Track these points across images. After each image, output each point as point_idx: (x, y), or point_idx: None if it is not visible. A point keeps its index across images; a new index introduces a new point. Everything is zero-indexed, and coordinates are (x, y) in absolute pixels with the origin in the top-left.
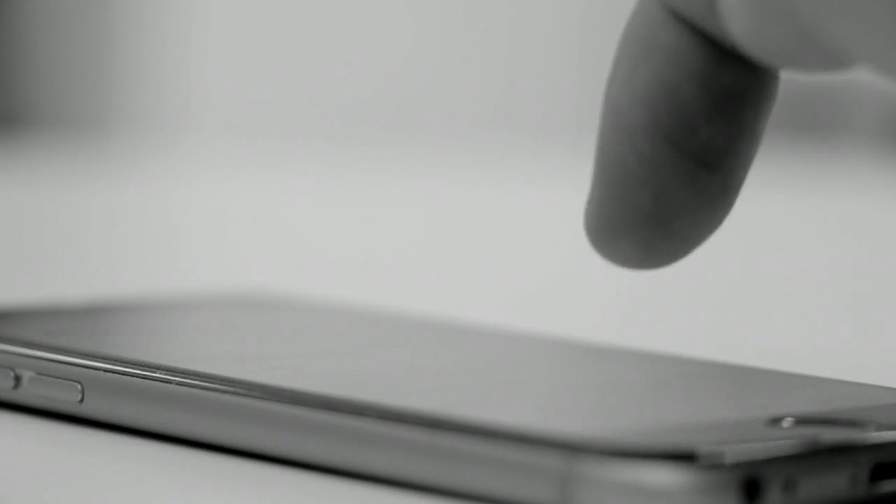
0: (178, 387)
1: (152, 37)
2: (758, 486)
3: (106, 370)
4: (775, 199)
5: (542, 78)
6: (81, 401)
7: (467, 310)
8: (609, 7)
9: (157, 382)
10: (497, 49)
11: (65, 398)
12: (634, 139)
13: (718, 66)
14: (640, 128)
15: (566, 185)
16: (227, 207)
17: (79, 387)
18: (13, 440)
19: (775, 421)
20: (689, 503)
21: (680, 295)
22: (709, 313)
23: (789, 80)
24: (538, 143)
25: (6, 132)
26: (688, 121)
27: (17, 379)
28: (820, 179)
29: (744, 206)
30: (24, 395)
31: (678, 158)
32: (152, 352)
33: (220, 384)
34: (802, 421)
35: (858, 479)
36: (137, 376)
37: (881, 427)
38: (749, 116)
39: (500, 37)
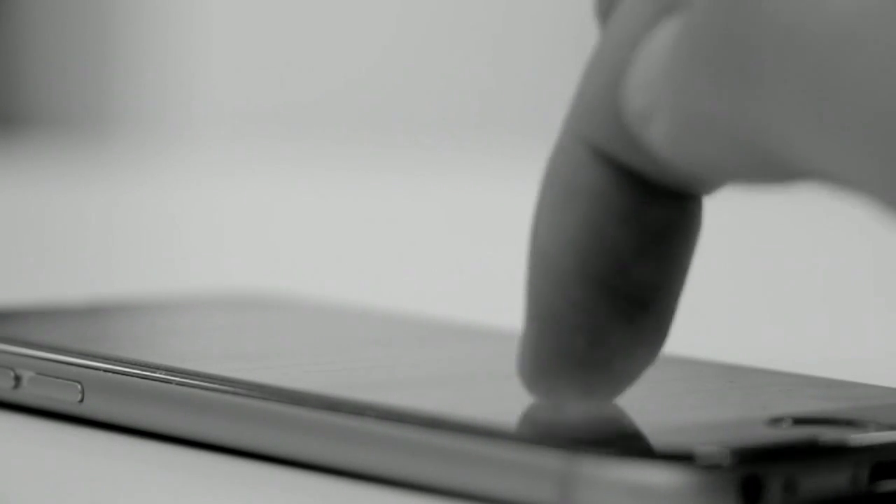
0: (178, 387)
1: (152, 37)
2: (758, 486)
3: (106, 370)
4: (775, 199)
5: (541, 77)
6: (81, 401)
7: (467, 309)
8: None
9: (157, 382)
10: (496, 48)
11: (65, 398)
12: (565, 285)
13: (644, 203)
14: (570, 273)
15: None
16: (227, 207)
17: (79, 387)
18: (13, 440)
19: (775, 421)
20: (689, 503)
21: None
22: (709, 313)
23: None
24: (537, 142)
25: (6, 132)
26: (618, 262)
27: (17, 379)
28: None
29: (741, 206)
30: (24, 395)
31: (611, 301)
32: (152, 352)
33: (220, 384)
34: (802, 421)
35: (858, 479)
36: (137, 376)
37: (881, 427)
38: (678, 249)
39: (499, 36)
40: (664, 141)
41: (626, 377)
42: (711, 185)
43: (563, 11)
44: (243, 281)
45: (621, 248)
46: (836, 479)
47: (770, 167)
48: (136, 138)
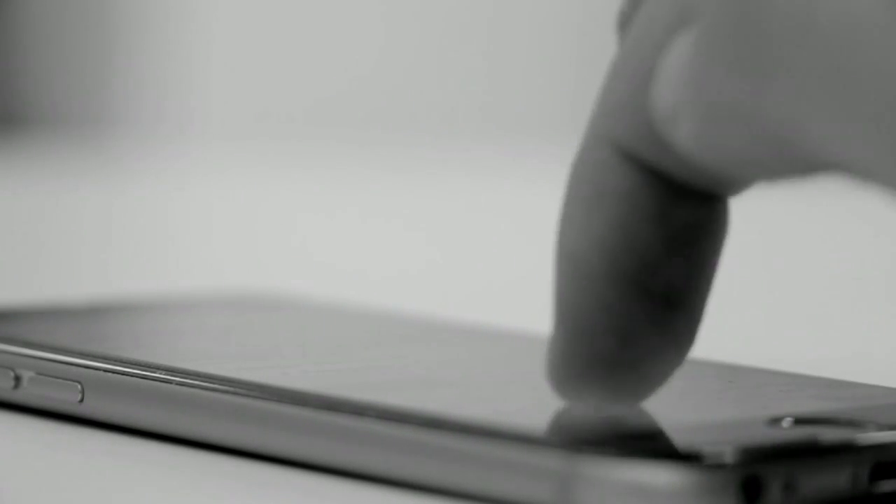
0: (178, 387)
1: (151, 38)
2: (758, 486)
3: (106, 370)
4: (775, 199)
5: (539, 78)
6: (81, 401)
7: (467, 309)
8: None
9: (157, 382)
10: (494, 49)
11: (65, 398)
12: (595, 286)
13: (672, 204)
14: (599, 274)
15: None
16: (226, 207)
17: (79, 387)
18: (13, 440)
19: (775, 421)
20: (690, 503)
21: None
22: (709, 313)
23: None
24: (536, 142)
25: (6, 132)
26: (647, 262)
27: (17, 379)
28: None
29: (740, 206)
30: (24, 395)
31: (641, 301)
32: (152, 352)
33: (220, 384)
34: (802, 421)
35: (858, 479)
36: (137, 376)
37: (881, 427)
38: (706, 249)
39: (498, 36)
40: (690, 140)
41: (655, 379)
42: (738, 185)
43: (562, 12)
44: (243, 281)
45: (650, 248)
46: (836, 479)
47: (790, 159)
48: (136, 138)
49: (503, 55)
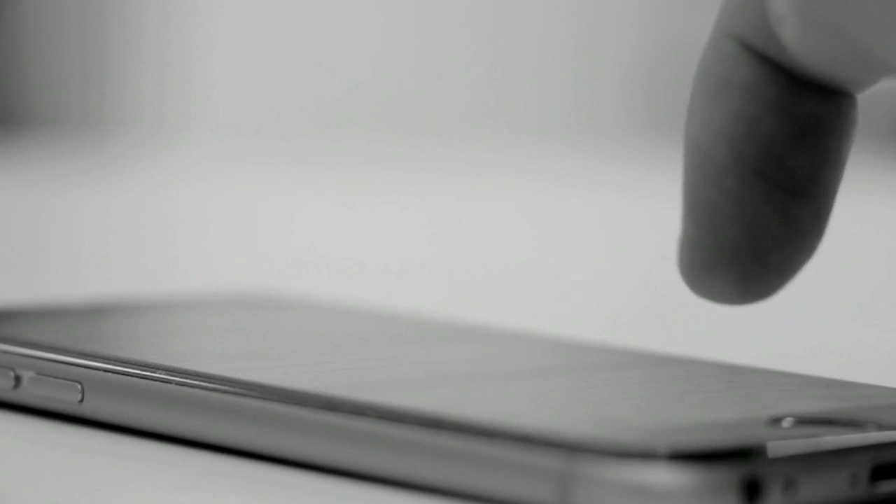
0: (178, 387)
1: (150, 38)
2: (758, 486)
3: (106, 370)
4: None
5: (538, 77)
6: (81, 401)
7: (466, 309)
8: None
9: (157, 382)
10: (494, 48)
11: (65, 398)
12: (721, 176)
13: (796, 96)
14: (725, 164)
15: (565, 183)
16: (226, 207)
17: (79, 387)
18: (13, 440)
19: (775, 421)
20: (689, 503)
21: (680, 295)
22: (709, 313)
23: None
24: (536, 142)
25: (6, 132)
26: (772, 152)
27: (17, 379)
28: None
29: None
30: (24, 395)
31: (767, 191)
32: (152, 352)
33: (220, 384)
34: (802, 421)
35: (858, 479)
36: (137, 376)
37: (881, 427)
38: (832, 143)
39: (498, 36)
40: (796, 43)
41: (783, 271)
42: (857, 83)
43: (562, 12)
44: (242, 281)
45: (774, 138)
46: (836, 480)
47: (876, 64)
48: (136, 138)
49: (502, 55)
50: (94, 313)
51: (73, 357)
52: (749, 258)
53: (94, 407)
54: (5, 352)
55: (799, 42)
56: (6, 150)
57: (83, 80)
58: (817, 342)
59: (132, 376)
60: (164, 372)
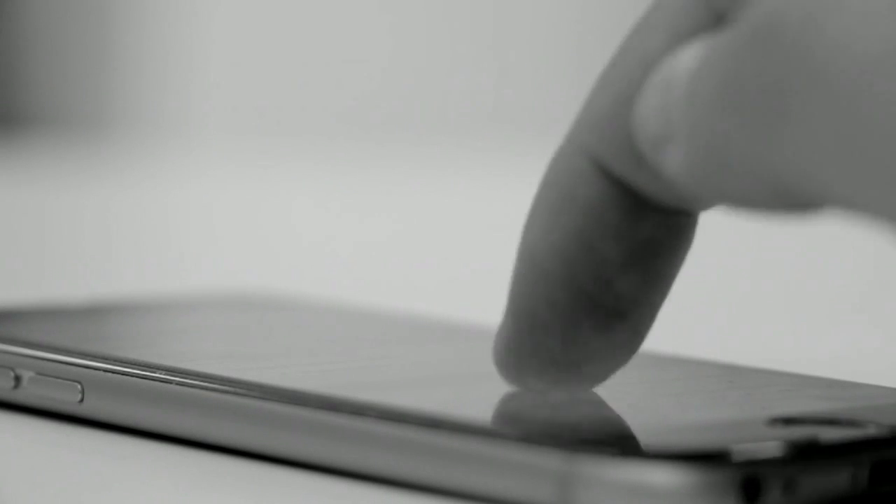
0: (178, 387)
1: (151, 37)
2: (758, 486)
3: (106, 370)
4: None
5: (537, 76)
6: (81, 401)
7: (466, 309)
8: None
9: (157, 382)
10: (493, 48)
11: (65, 398)
12: (549, 288)
13: (637, 219)
14: (555, 278)
15: None
16: (226, 207)
17: (79, 387)
18: (13, 440)
19: (775, 421)
20: (689, 503)
21: (680, 295)
22: (709, 313)
23: None
24: (535, 142)
25: (6, 132)
26: (603, 275)
27: (17, 379)
28: None
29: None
30: (24, 395)
31: (590, 310)
32: (152, 352)
33: (220, 384)
34: (802, 421)
35: (858, 479)
36: (137, 376)
37: (881, 427)
38: (664, 264)
39: (497, 36)
40: (679, 168)
41: (595, 378)
42: (714, 205)
43: (562, 13)
44: (243, 281)
45: (608, 262)
46: (836, 480)
47: (790, 198)
48: (136, 138)
49: (502, 55)
50: (94, 313)
51: (73, 357)
52: (564, 367)
53: (94, 407)
54: (5, 352)
55: (683, 167)
56: (6, 150)
57: (83, 80)
58: (817, 342)
59: (132, 376)
60: (164, 372)
